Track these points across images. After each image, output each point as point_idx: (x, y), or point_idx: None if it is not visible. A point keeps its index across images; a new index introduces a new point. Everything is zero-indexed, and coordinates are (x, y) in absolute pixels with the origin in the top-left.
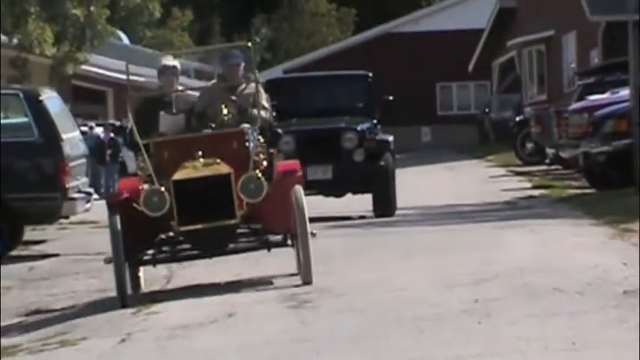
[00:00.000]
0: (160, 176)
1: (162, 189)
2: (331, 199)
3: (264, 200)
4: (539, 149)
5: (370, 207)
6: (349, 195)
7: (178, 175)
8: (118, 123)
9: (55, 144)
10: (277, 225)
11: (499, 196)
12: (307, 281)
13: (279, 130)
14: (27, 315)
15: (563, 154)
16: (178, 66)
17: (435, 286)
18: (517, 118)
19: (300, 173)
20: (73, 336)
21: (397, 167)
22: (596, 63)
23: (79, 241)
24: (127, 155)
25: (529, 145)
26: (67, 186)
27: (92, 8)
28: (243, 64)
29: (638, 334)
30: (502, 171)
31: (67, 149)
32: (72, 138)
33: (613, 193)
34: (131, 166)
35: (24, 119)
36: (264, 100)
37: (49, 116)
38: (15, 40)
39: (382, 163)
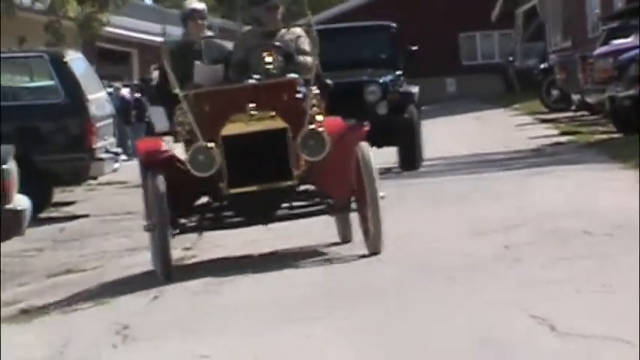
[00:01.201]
0: (203, 133)
1: (211, 145)
2: None
3: (324, 159)
4: (565, 96)
5: (395, 160)
6: (374, 149)
7: (228, 130)
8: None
9: (80, 105)
10: (339, 187)
11: (526, 143)
12: (376, 251)
13: (329, 81)
14: (59, 275)
15: (589, 100)
16: (206, 9)
17: (465, 234)
18: (542, 66)
19: (366, 128)
20: (105, 295)
21: (423, 119)
22: (620, 7)
23: (108, 202)
24: (154, 113)
25: (554, 92)
26: (94, 146)
27: None
28: (281, 7)
29: None
30: (528, 119)
31: (93, 109)
32: (98, 98)
33: None
34: (159, 124)
35: (50, 82)
36: (310, 46)
37: (74, 77)
38: (38, 4)
39: (406, 115)
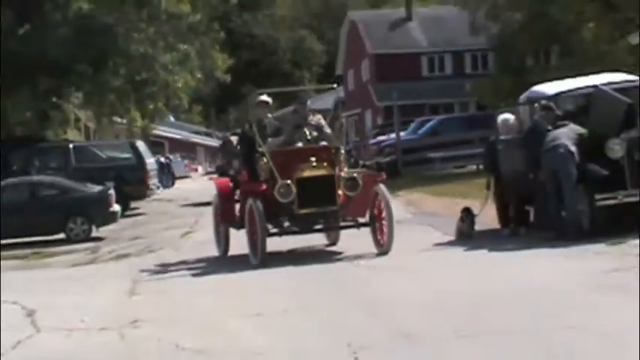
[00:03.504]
0: (280, 175)
1: (289, 182)
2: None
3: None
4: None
5: None
6: None
7: (300, 174)
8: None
9: (142, 164)
10: (363, 211)
11: None
12: (386, 252)
13: (348, 147)
14: (132, 240)
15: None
16: (271, 101)
17: None
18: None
19: (384, 176)
20: (154, 247)
21: None
22: (379, 124)
23: (157, 208)
24: (176, 165)
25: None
26: (149, 183)
27: None
28: (309, 101)
29: None
30: None
31: (148, 166)
32: (150, 162)
33: None
34: (178, 171)
35: (128, 154)
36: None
37: (139, 152)
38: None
39: None
